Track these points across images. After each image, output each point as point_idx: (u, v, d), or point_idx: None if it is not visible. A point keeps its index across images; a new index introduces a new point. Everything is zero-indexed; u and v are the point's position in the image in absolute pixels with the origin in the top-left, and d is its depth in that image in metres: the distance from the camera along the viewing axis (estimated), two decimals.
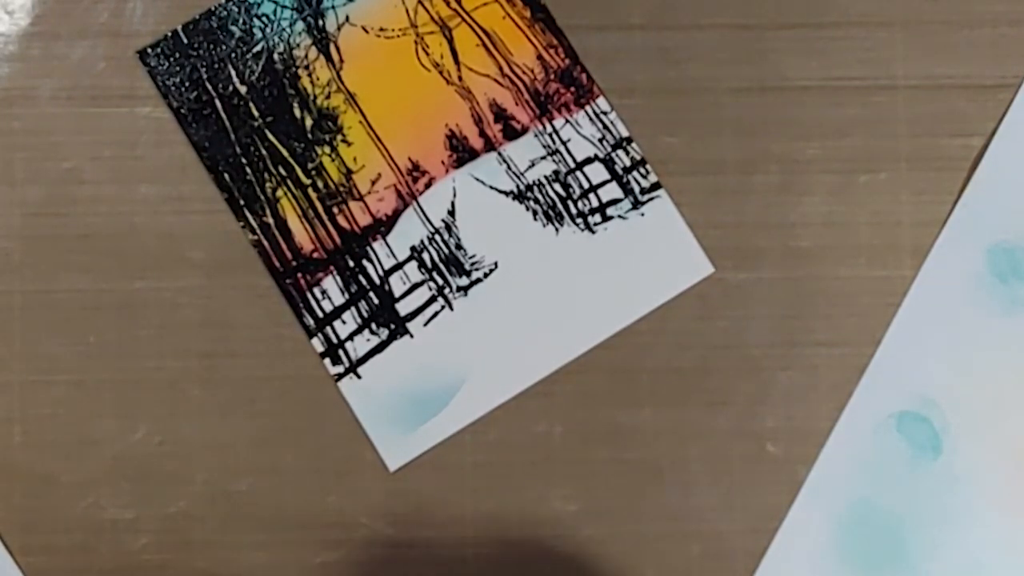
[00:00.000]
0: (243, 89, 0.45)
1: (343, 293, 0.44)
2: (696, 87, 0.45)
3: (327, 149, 0.45)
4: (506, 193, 0.45)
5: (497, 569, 0.44)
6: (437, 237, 0.45)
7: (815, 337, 0.44)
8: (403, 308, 0.44)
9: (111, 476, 0.44)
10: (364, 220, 0.45)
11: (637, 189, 0.45)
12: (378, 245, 0.45)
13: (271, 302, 0.44)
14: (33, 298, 0.45)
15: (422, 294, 0.45)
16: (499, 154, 0.45)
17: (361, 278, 0.45)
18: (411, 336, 0.44)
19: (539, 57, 0.45)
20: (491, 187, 0.45)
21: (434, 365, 0.44)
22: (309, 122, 0.45)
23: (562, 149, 0.45)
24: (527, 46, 0.45)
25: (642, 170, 0.45)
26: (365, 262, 0.45)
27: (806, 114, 0.45)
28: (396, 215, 0.45)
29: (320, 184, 0.45)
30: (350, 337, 0.44)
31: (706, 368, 0.44)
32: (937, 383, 0.44)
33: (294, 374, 0.44)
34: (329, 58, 0.45)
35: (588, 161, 0.45)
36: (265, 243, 0.45)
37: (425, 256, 0.45)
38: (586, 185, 0.45)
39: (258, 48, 0.45)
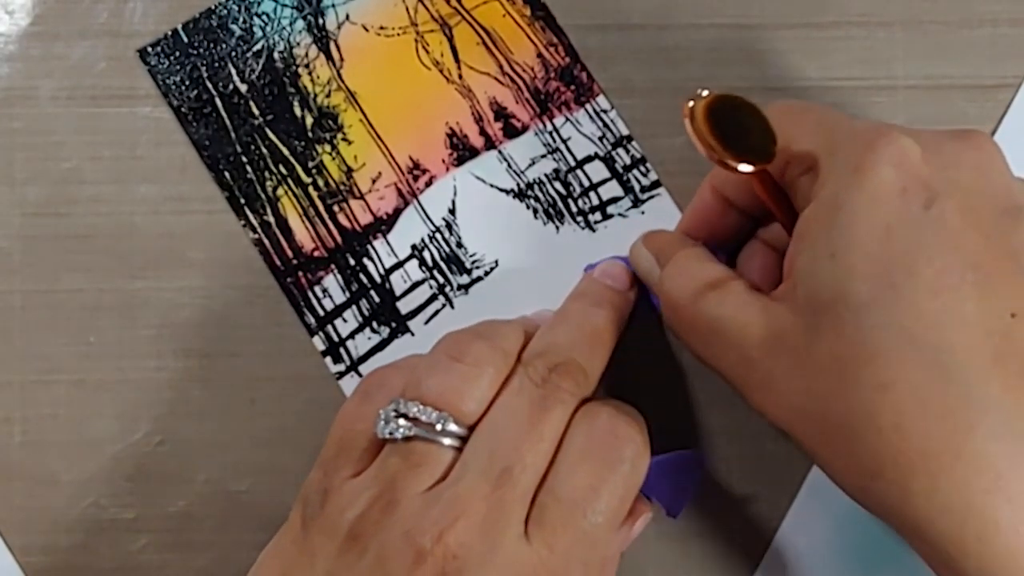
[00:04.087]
0: (243, 88, 0.45)
1: (344, 291, 0.44)
2: (696, 87, 0.45)
3: (328, 147, 0.45)
4: (506, 191, 0.45)
5: None
6: (438, 235, 0.45)
7: None
8: (404, 306, 0.44)
9: (111, 476, 0.44)
10: (365, 218, 0.45)
11: (637, 187, 0.45)
12: (379, 243, 0.45)
13: (271, 301, 0.44)
14: (33, 298, 0.45)
15: (423, 292, 0.44)
16: (499, 152, 0.45)
17: (362, 276, 0.44)
18: (412, 334, 0.44)
19: (539, 55, 0.45)
20: (491, 185, 0.45)
21: None
22: (309, 120, 0.45)
23: (562, 147, 0.45)
24: (527, 44, 0.45)
25: (642, 168, 0.45)
26: (366, 260, 0.45)
27: None
28: (397, 213, 0.45)
29: (321, 182, 0.45)
30: (351, 335, 0.44)
31: (706, 368, 0.44)
32: None
33: (295, 373, 0.44)
34: (329, 56, 0.45)
35: (588, 159, 0.45)
36: (266, 242, 0.45)
37: (426, 254, 0.45)
38: (586, 183, 0.45)
39: (258, 47, 0.45)
